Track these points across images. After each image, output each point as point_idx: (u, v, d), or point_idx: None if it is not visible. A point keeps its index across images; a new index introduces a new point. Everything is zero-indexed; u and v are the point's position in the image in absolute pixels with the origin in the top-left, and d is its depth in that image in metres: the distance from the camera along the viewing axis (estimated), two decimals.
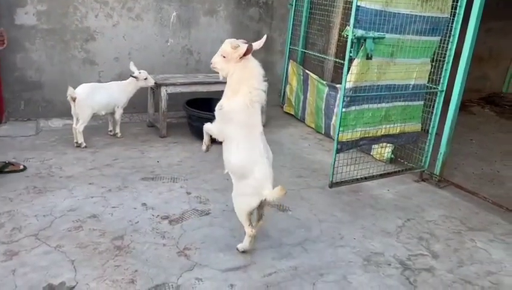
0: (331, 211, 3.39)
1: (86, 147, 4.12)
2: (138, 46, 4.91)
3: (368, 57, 3.23)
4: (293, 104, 5.75)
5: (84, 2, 4.50)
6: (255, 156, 2.62)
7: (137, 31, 4.86)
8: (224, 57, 2.62)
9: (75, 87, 4.04)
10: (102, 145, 4.21)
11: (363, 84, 3.38)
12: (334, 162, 3.53)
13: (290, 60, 5.76)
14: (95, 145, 4.18)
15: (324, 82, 5.01)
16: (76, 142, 4.12)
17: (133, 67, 4.26)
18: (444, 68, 3.78)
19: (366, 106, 3.49)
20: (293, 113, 5.78)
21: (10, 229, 2.76)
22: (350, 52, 3.22)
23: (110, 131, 4.46)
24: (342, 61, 5.02)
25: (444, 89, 3.84)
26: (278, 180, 3.84)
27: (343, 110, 3.37)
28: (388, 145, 4.40)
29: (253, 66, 2.64)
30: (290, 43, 5.79)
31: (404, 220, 3.35)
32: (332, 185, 3.58)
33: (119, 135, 4.41)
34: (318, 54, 5.60)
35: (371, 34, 3.19)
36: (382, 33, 3.26)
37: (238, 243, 2.84)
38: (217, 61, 2.66)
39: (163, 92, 4.50)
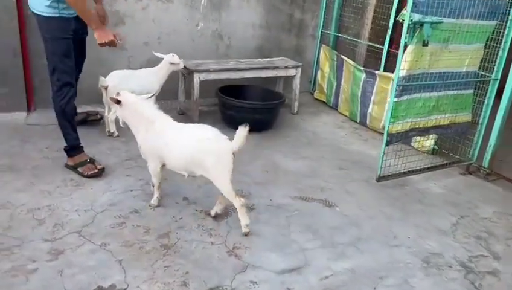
0: (379, 207, 3.23)
1: (118, 136, 3.98)
2: (167, 30, 4.72)
3: (424, 44, 3.01)
4: (325, 90, 5.54)
5: None
6: None
7: (166, 14, 4.66)
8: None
9: (104, 74, 3.88)
10: None
11: (415, 72, 3.18)
12: (383, 155, 3.35)
13: (322, 45, 5.53)
14: (126, 134, 4.01)
15: (362, 68, 4.79)
16: (109, 131, 3.98)
17: (158, 55, 4.09)
18: (499, 55, 3.54)
19: (417, 96, 3.29)
20: (324, 100, 5.58)
21: (52, 225, 2.65)
22: (405, 38, 2.99)
23: None
24: (379, 46, 4.83)
25: (498, 77, 3.61)
26: (319, 172, 3.71)
27: (395, 100, 3.17)
28: (431, 135, 4.20)
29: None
30: (323, 27, 5.54)
31: (458, 217, 3.18)
32: (380, 179, 3.40)
33: None
34: (351, 38, 5.36)
35: (429, 18, 2.97)
36: (439, 17, 3.03)
37: (288, 242, 2.71)
38: None
39: (196, 79, 4.33)
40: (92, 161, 3.34)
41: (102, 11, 3.63)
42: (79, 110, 4.14)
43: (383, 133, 4.61)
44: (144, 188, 3.16)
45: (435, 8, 2.98)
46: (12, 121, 4.06)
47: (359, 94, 4.86)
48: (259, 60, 5.00)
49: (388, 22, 4.65)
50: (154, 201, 2.97)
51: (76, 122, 3.96)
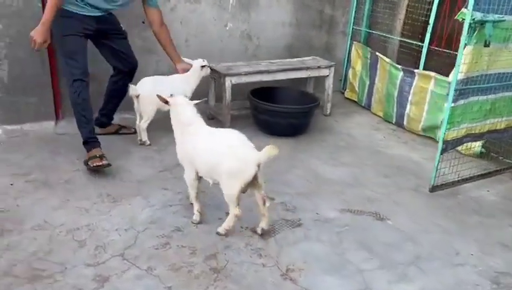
0: (432, 219, 3.02)
1: (150, 145, 3.83)
2: (195, 31, 4.54)
3: (486, 44, 2.79)
4: (356, 89, 5.31)
5: None
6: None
7: (194, 15, 4.48)
8: None
9: (135, 80, 3.75)
10: (167, 143, 3.87)
11: (473, 74, 2.96)
12: (438, 164, 3.13)
13: (354, 42, 5.30)
14: (159, 143, 3.88)
15: (399, 66, 4.56)
16: (140, 140, 3.83)
17: (187, 60, 3.93)
18: None
19: (474, 99, 3.08)
20: (355, 99, 5.36)
21: (94, 247, 2.50)
22: (465, 38, 2.77)
23: None
24: (417, 43, 4.58)
25: None
26: (362, 180, 3.52)
27: (452, 105, 2.95)
28: None
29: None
30: (354, 23, 5.31)
31: None
32: (434, 188, 3.20)
33: None
34: (385, 35, 5.12)
35: (491, 17, 2.74)
36: (501, 15, 2.80)
37: (344, 262, 2.53)
38: None
39: (228, 82, 4.14)
40: (101, 157, 3.26)
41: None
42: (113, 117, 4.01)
43: (422, 135, 4.46)
44: (183, 203, 3.00)
45: (497, 6, 2.75)
46: (41, 130, 3.93)
47: (395, 94, 4.63)
48: (290, 60, 4.80)
49: (426, 18, 4.43)
50: (196, 217, 2.82)
51: (109, 133, 3.86)
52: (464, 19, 2.74)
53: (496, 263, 2.61)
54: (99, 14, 3.40)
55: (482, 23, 2.74)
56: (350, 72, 5.38)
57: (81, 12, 3.31)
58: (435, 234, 2.86)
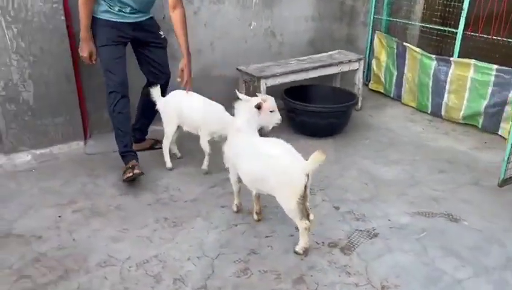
0: (509, 216, 2.90)
1: (181, 157, 3.62)
2: (219, 33, 4.32)
3: None
4: (383, 80, 5.16)
5: None
6: None
7: (218, 17, 4.25)
8: None
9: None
10: (202, 156, 3.64)
11: None
12: (509, 157, 3.01)
13: (376, 32, 5.13)
14: (194, 156, 3.65)
15: (432, 56, 4.41)
16: (174, 154, 3.61)
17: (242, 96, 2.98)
18: None
19: None
20: (382, 90, 5.21)
21: (171, 281, 2.31)
22: None
23: None
24: (451, 29, 4.43)
25: None
26: (419, 178, 3.38)
27: None
28: None
29: None
30: (374, 12, 5.14)
31: None
32: (503, 183, 3.08)
33: None
34: (406, 21, 4.97)
35: None
36: None
37: (436, 272, 2.39)
38: None
39: (263, 85, 3.95)
40: (133, 167, 3.14)
41: (182, 41, 3.31)
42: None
43: (461, 124, 4.34)
44: (248, 221, 2.82)
45: None
46: (71, 152, 3.68)
47: (430, 83, 4.49)
48: (319, 56, 4.62)
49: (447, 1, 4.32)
50: (234, 207, 2.90)
51: (144, 149, 3.66)
52: None
53: None
54: (134, 20, 3.18)
55: None
56: (374, 63, 5.22)
57: (115, 20, 3.11)
58: None
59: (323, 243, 2.62)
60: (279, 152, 2.41)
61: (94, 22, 3.07)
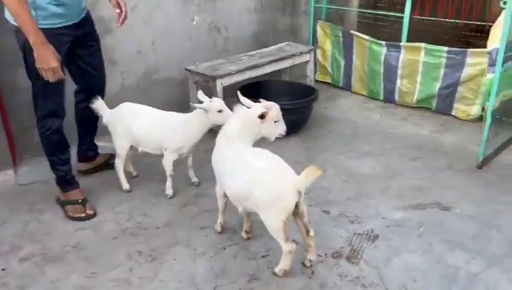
0: (494, 198, 2.87)
1: (137, 175, 3.16)
2: (161, 31, 3.86)
3: None
4: (330, 71, 5.05)
5: None
6: None
7: (158, 12, 3.80)
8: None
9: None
10: (157, 168, 3.24)
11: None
12: (487, 140, 2.98)
13: (318, 21, 4.99)
14: (150, 171, 3.23)
15: (382, 42, 4.36)
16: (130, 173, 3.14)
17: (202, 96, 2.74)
18: None
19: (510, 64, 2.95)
20: (329, 81, 5.09)
21: None
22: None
23: None
24: (397, 14, 4.39)
25: None
26: (396, 168, 3.27)
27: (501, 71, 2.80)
28: (475, 102, 3.96)
29: None
30: (315, 1, 4.99)
31: None
32: (482, 164, 3.05)
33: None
34: (346, 8, 4.93)
35: None
36: None
37: (450, 269, 2.26)
38: None
39: (219, 86, 3.59)
40: (84, 203, 2.73)
41: None
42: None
43: (415, 108, 4.35)
44: (236, 241, 2.49)
45: None
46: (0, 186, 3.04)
47: (381, 70, 4.45)
48: (269, 49, 4.36)
49: None
50: (217, 227, 2.53)
51: (98, 165, 3.14)
52: None
53: None
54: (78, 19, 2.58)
55: None
56: (319, 53, 5.08)
57: (57, 25, 2.43)
58: (507, 213, 2.71)
59: (326, 254, 2.37)
60: (265, 164, 2.09)
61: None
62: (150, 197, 2.93)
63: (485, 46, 3.73)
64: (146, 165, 3.26)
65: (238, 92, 2.61)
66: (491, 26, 3.73)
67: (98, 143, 3.24)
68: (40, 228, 2.62)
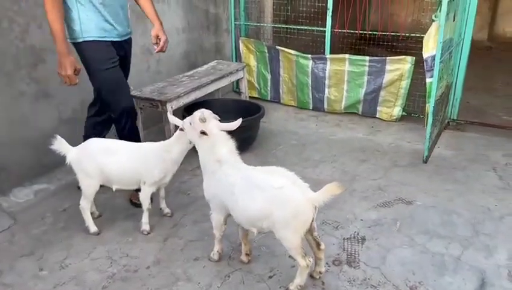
0: (443, 187, 3.25)
1: (100, 215, 2.91)
2: None
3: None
4: (256, 85, 5.19)
5: (21, 9, 2.99)
6: None
7: None
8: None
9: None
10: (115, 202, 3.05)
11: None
12: (430, 137, 3.36)
13: (241, 38, 5.11)
14: (118, 206, 3.01)
15: (308, 55, 4.63)
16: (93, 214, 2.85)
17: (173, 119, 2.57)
18: None
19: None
20: (256, 95, 5.24)
21: None
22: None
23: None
24: (319, 29, 4.73)
25: None
26: (351, 172, 3.51)
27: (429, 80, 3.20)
28: (396, 104, 4.44)
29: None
30: (234, 18, 5.10)
31: (496, 167, 3.49)
32: (426, 159, 3.43)
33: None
34: (264, 24, 5.18)
35: None
36: None
37: (434, 256, 2.50)
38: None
39: (170, 108, 3.47)
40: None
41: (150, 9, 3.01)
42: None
43: (343, 113, 4.71)
44: (238, 267, 2.44)
45: None
46: None
47: (309, 81, 4.72)
48: (204, 69, 4.34)
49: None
50: (214, 256, 2.46)
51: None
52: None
53: None
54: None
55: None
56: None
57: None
58: (457, 198, 3.09)
59: (327, 263, 2.45)
60: (283, 182, 2.09)
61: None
62: (124, 237, 2.71)
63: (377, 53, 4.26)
64: (105, 202, 3.01)
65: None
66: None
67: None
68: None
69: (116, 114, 2.87)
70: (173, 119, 2.58)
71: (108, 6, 2.70)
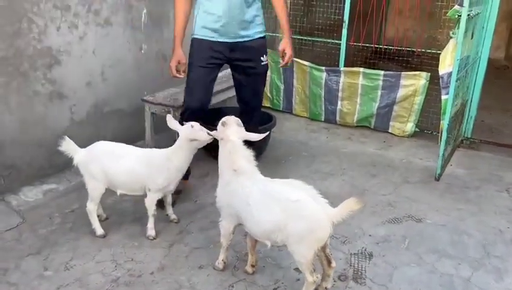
0: (454, 205, 3.19)
1: (107, 218, 2.90)
2: (111, 61, 3.63)
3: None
4: (269, 95, 5.19)
5: (40, 10, 3.04)
6: None
7: (107, 41, 3.56)
8: None
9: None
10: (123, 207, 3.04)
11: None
12: (443, 155, 3.31)
13: None
14: (125, 210, 3.01)
15: (322, 67, 4.62)
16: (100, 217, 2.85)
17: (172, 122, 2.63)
18: None
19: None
20: (269, 105, 5.23)
21: None
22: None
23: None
24: (335, 41, 4.73)
25: None
26: (361, 187, 3.46)
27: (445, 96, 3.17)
28: (409, 119, 4.39)
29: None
30: None
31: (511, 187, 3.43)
32: (439, 177, 3.38)
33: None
34: (275, 34, 5.13)
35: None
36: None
37: (442, 277, 2.45)
38: None
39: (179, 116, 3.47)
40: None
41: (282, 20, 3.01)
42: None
43: (355, 127, 4.67)
44: (241, 277, 2.41)
45: None
46: None
47: (322, 93, 4.71)
48: (218, 76, 4.32)
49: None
50: (219, 265, 2.42)
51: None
52: (459, 16, 2.91)
53: None
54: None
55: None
56: None
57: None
58: (469, 218, 3.04)
59: (333, 279, 2.41)
60: (301, 196, 2.06)
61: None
62: (130, 241, 2.71)
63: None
64: (112, 206, 3.02)
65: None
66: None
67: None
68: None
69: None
70: (172, 123, 2.60)
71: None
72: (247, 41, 2.90)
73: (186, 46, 3.00)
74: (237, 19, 2.80)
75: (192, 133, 2.52)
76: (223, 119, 2.31)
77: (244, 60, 2.96)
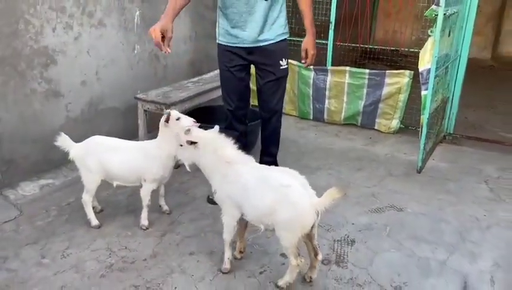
0: (435, 196, 3.34)
1: (102, 210, 3.03)
2: (104, 61, 3.76)
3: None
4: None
5: (36, 11, 3.17)
6: None
7: (102, 42, 3.70)
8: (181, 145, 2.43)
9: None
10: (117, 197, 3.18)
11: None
12: (424, 148, 3.46)
13: None
14: (119, 202, 3.14)
15: (311, 67, 4.75)
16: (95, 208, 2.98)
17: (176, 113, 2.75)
18: None
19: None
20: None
21: None
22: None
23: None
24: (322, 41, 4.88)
25: None
26: (347, 180, 3.61)
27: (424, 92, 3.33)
28: (394, 116, 4.55)
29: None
30: None
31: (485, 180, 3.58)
32: (420, 170, 3.53)
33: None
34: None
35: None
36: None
37: (420, 259, 2.59)
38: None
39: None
40: None
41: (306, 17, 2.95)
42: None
43: (343, 124, 4.82)
44: (234, 265, 2.54)
45: None
46: None
47: (311, 92, 4.86)
48: (209, 76, 4.50)
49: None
50: (227, 265, 2.46)
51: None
52: (436, 15, 3.08)
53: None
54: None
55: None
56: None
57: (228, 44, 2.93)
58: (448, 207, 3.18)
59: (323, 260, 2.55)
60: (292, 183, 2.17)
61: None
62: (124, 231, 2.84)
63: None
64: (107, 198, 3.14)
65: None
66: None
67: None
68: (12, 277, 2.38)
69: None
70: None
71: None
72: (265, 45, 2.86)
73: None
74: (255, 24, 2.79)
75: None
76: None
77: (262, 64, 2.94)
